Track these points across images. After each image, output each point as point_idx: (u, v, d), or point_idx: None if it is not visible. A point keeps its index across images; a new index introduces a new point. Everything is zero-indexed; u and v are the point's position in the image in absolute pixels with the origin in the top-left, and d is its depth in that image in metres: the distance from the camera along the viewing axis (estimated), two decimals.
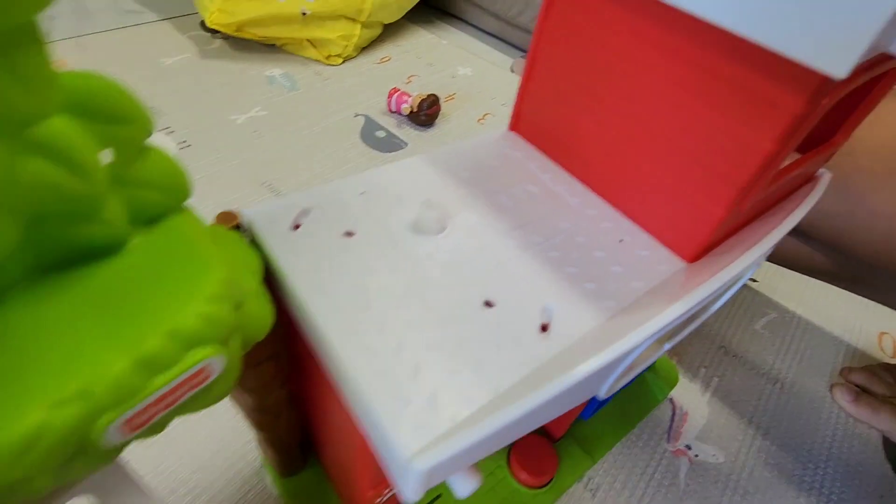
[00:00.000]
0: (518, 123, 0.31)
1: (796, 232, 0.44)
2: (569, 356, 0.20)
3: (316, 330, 0.19)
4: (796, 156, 0.31)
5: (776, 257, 0.49)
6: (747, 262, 0.25)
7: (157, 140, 0.17)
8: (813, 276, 0.52)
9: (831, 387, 0.54)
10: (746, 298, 0.63)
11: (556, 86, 0.28)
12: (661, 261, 0.25)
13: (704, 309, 0.27)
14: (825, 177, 0.32)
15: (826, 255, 0.45)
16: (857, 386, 0.53)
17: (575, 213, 0.27)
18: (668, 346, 0.27)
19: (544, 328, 0.21)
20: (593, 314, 0.22)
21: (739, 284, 0.29)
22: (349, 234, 0.23)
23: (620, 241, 0.26)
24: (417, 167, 0.27)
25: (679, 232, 0.25)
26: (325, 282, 0.21)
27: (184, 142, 0.69)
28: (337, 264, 0.21)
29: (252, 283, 0.19)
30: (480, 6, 1.10)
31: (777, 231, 0.26)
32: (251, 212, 0.23)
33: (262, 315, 0.19)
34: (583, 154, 0.28)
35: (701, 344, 0.56)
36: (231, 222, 0.22)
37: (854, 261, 0.43)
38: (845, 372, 0.55)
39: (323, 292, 0.20)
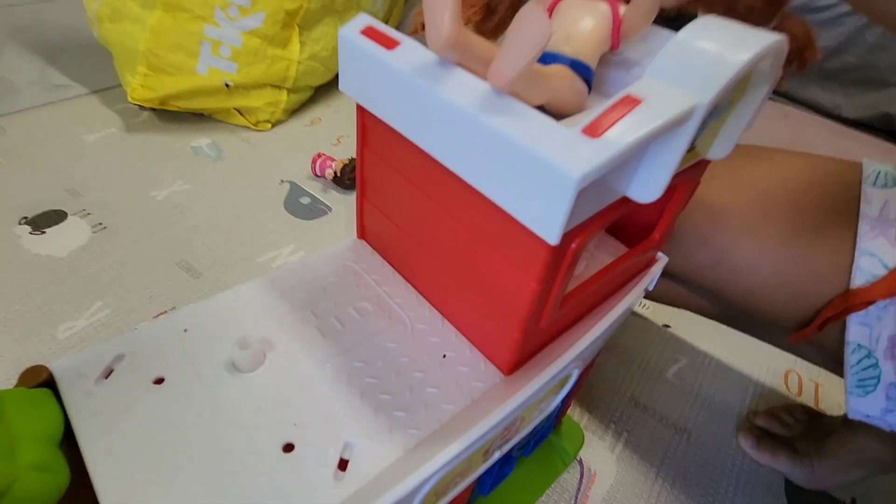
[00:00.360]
0: (364, 233, 0.32)
1: (682, 280, 0.46)
2: (360, 498, 0.20)
3: (98, 497, 0.20)
4: (624, 249, 0.33)
5: (670, 301, 0.51)
6: (557, 370, 0.26)
7: None
8: (708, 318, 0.54)
9: (737, 432, 0.56)
10: (659, 346, 0.65)
11: (382, 202, 0.29)
12: (479, 376, 0.26)
13: (534, 408, 0.28)
14: (661, 261, 0.34)
15: (710, 300, 0.47)
16: (761, 429, 0.55)
17: (404, 330, 0.28)
18: (498, 454, 0.27)
19: (343, 467, 0.22)
20: (395, 446, 0.23)
21: (576, 376, 0.30)
22: (159, 380, 0.23)
23: (444, 356, 0.27)
24: (250, 294, 0.28)
25: (493, 347, 0.26)
26: (116, 441, 0.21)
27: (99, 224, 0.69)
28: (136, 419, 0.22)
29: (34, 455, 0.20)
30: None
31: (594, 331, 0.28)
32: (58, 365, 0.23)
33: (42, 489, 0.19)
34: (414, 266, 0.29)
35: (612, 398, 0.57)
36: (38, 378, 0.23)
37: (732, 306, 0.45)
38: (751, 415, 0.57)
39: (112, 454, 0.21)
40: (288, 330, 0.27)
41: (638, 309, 0.69)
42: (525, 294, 0.22)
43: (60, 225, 0.68)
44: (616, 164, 0.17)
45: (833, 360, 0.35)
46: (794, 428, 0.54)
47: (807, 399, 0.61)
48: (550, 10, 0.24)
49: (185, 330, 0.26)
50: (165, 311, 0.59)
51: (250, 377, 0.24)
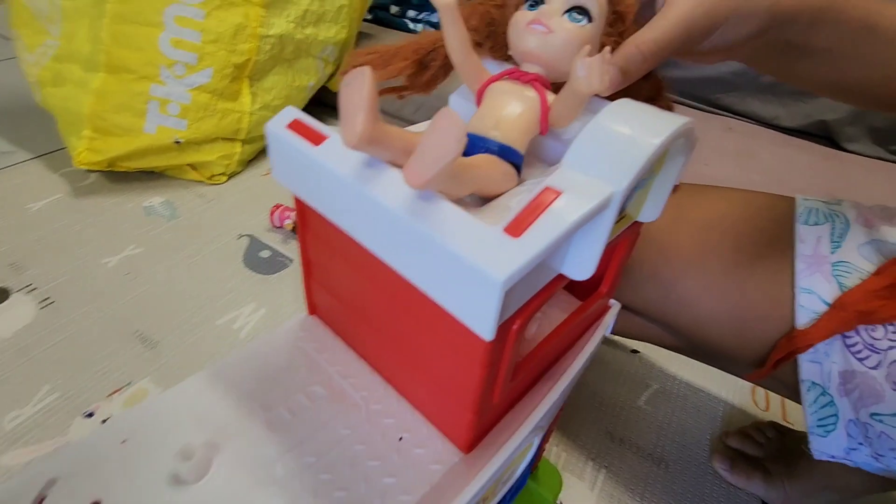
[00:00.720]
0: (314, 309, 0.32)
1: (638, 313, 0.47)
2: None
3: None
4: (576, 301, 0.33)
5: (632, 334, 0.52)
6: (515, 444, 0.25)
7: None
8: (671, 350, 0.54)
9: (711, 455, 0.56)
10: (630, 373, 0.65)
11: (328, 281, 0.29)
12: (437, 457, 0.25)
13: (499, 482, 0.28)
14: (614, 308, 0.35)
15: (669, 332, 0.48)
16: (734, 450, 0.56)
17: (358, 413, 0.27)
18: None
19: None
20: None
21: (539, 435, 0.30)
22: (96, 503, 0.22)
23: (400, 439, 0.26)
24: (194, 391, 0.27)
25: (449, 424, 0.26)
26: None
27: (46, 299, 0.66)
28: None
29: None
30: None
31: (548, 400, 0.28)
32: None
33: None
34: (365, 343, 0.29)
35: (588, 434, 0.57)
36: None
37: (686, 338, 0.45)
38: (723, 436, 0.58)
39: None
40: (236, 428, 0.25)
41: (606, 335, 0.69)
42: (472, 379, 0.22)
43: (4, 304, 0.65)
44: (539, 260, 0.17)
45: (795, 393, 0.36)
46: (766, 447, 0.55)
47: (774, 413, 0.62)
48: (480, 94, 0.25)
49: (124, 441, 0.24)
50: (120, 389, 0.56)
51: (196, 489, 0.23)
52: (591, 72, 0.18)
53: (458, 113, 0.16)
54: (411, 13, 1.24)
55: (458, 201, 0.20)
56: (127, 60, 0.80)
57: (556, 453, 0.55)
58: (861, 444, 0.32)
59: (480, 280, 0.16)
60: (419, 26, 1.23)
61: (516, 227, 0.17)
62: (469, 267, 0.16)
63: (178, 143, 0.84)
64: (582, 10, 0.22)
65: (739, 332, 0.38)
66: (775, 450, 0.54)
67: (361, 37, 1.15)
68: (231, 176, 0.94)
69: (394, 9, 1.25)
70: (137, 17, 0.79)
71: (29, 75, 0.88)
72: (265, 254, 0.77)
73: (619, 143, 0.18)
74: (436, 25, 1.22)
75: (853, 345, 0.31)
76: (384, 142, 0.18)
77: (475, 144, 0.22)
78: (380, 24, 1.28)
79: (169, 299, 0.68)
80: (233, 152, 0.92)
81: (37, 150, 0.96)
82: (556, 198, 0.17)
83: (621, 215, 0.23)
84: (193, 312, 0.66)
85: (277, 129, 0.23)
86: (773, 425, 0.57)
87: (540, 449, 0.46)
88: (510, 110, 0.22)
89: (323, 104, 1.21)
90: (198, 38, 0.81)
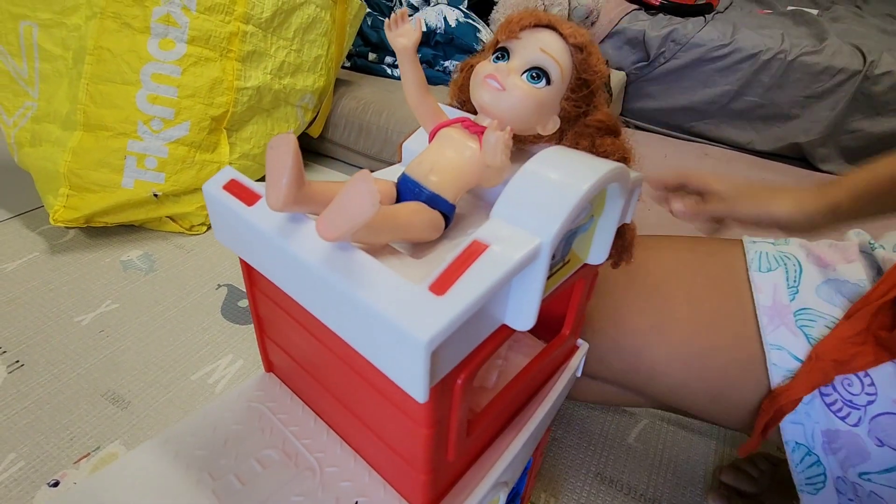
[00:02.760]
0: (270, 366, 0.31)
1: (609, 382, 0.44)
2: None
3: None
4: (540, 344, 0.33)
5: (606, 402, 0.49)
6: (476, 501, 0.24)
7: None
8: (650, 408, 0.52)
9: (706, 493, 0.54)
10: (618, 409, 0.63)
11: (279, 338, 0.28)
12: None
13: None
14: (583, 348, 0.34)
15: (643, 397, 0.45)
16: (729, 487, 0.54)
17: (312, 477, 0.26)
18: None
19: None
20: None
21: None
22: None
23: (356, 503, 0.25)
24: (140, 463, 0.26)
25: (406, 485, 0.24)
26: None
27: (16, 362, 0.64)
28: None
29: None
30: (345, 146, 1.17)
31: (509, 452, 0.26)
32: None
33: None
34: (320, 401, 0.28)
35: (576, 477, 0.55)
36: None
37: (664, 405, 0.44)
38: (717, 472, 0.56)
39: None
40: (184, 501, 0.24)
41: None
42: (419, 439, 0.21)
43: None
44: (466, 318, 0.16)
45: (782, 450, 0.35)
46: (761, 481, 0.53)
47: (766, 443, 0.61)
48: (432, 136, 0.25)
49: None
50: (88, 455, 0.54)
51: None
52: (496, 146, 0.18)
53: (373, 178, 0.16)
54: (388, 59, 1.27)
55: (386, 249, 0.20)
56: (104, 118, 0.81)
57: (545, 500, 0.53)
58: (851, 500, 0.31)
59: (405, 341, 0.16)
60: (397, 71, 1.26)
61: (441, 285, 0.16)
62: (393, 327, 0.16)
63: (156, 196, 0.85)
64: (541, 72, 0.22)
65: (715, 398, 0.36)
66: (770, 483, 0.52)
67: (340, 83, 1.18)
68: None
69: (371, 56, 1.29)
70: (115, 76, 0.80)
71: (7, 136, 0.89)
72: (244, 303, 0.76)
73: (546, 191, 0.18)
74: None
75: (832, 403, 0.30)
76: (310, 202, 0.18)
77: (408, 189, 0.22)
78: (358, 71, 1.31)
79: (143, 356, 0.66)
80: None
81: (15, 209, 0.96)
82: (482, 251, 0.17)
83: (566, 259, 0.23)
84: (167, 368, 0.65)
85: (214, 190, 0.22)
86: (766, 456, 0.55)
87: (523, 499, 0.44)
88: (449, 159, 0.22)
89: (303, 150, 1.23)
90: (174, 93, 0.83)
